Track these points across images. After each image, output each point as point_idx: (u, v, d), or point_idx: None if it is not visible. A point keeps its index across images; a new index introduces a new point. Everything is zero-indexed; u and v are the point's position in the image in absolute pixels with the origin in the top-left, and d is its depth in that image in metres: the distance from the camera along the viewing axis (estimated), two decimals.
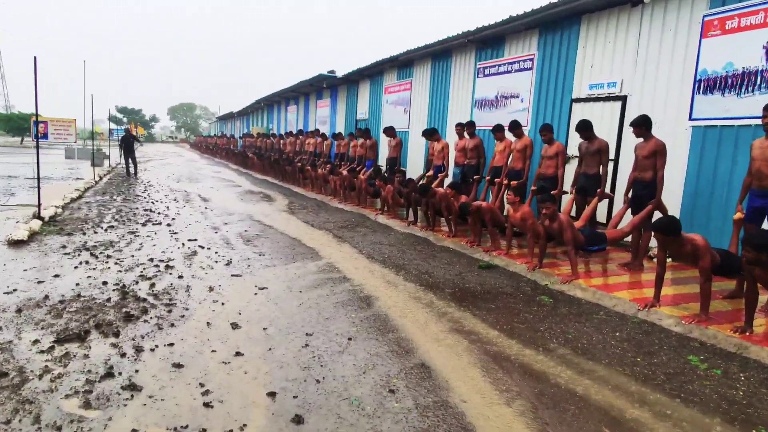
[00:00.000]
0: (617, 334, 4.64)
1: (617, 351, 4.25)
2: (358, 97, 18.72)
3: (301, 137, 21.07)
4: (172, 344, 4.01)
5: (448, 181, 10.96)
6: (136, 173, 18.58)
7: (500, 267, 6.97)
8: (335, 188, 13.60)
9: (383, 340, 4.30)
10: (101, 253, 6.91)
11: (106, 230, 8.47)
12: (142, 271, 6.10)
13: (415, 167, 13.38)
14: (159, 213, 10.55)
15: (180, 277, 5.93)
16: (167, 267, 6.34)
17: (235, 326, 4.46)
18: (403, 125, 14.98)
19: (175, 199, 13.01)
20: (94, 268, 6.14)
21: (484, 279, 6.39)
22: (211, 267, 6.47)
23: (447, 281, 6.24)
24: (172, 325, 4.43)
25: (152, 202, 12.18)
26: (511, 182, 8.42)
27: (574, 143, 8.87)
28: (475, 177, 9.58)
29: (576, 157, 8.10)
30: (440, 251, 7.93)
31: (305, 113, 25.21)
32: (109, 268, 6.19)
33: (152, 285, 5.55)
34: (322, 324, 4.60)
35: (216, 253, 7.24)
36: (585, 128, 7.16)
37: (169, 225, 9.24)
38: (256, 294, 5.42)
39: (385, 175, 11.48)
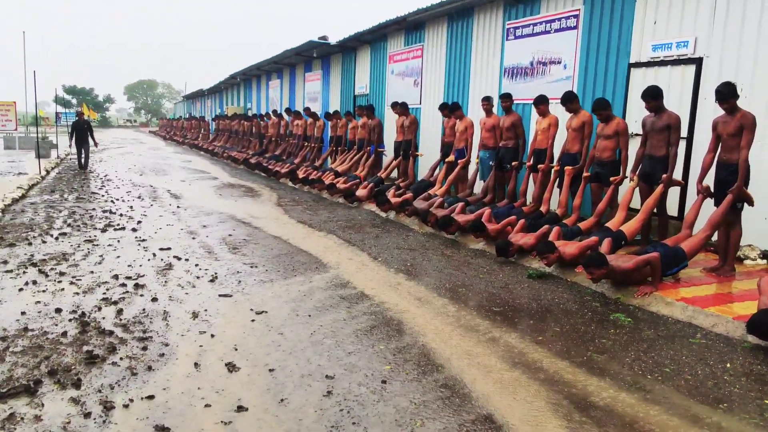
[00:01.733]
0: (728, 365, 4.19)
1: (736, 390, 3.80)
2: (356, 68, 18.20)
3: (286, 118, 20.58)
4: (151, 397, 3.54)
5: (472, 168, 10.51)
6: (86, 165, 18.01)
7: (555, 276, 6.52)
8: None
9: (427, 381, 3.84)
10: (52, 269, 6.43)
11: (57, 239, 7.98)
12: (105, 293, 5.63)
13: (429, 152, 12.88)
14: (121, 215, 10.06)
15: (154, 299, 5.46)
16: (137, 286, 5.87)
17: (232, 368, 3.99)
18: (414, 100, 14.48)
19: (139, 197, 12.52)
20: (44, 290, 5.67)
21: (538, 292, 5.94)
22: (192, 284, 5.99)
23: (491, 296, 5.78)
24: (150, 368, 3.96)
25: (112, 201, 11.69)
26: (566, 168, 7.95)
27: (633, 118, 8.41)
28: (513, 163, 9.11)
29: (638, 135, 7.63)
30: (474, 256, 7.48)
31: (291, 89, 24.69)
32: (63, 289, 5.72)
33: (119, 312, 5.07)
34: (344, 361, 4.14)
35: (196, 265, 6.77)
36: (654, 96, 6.69)
37: (134, 230, 8.76)
38: (253, 321, 4.95)
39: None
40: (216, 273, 6.44)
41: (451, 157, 10.58)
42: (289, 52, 20.71)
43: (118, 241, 7.98)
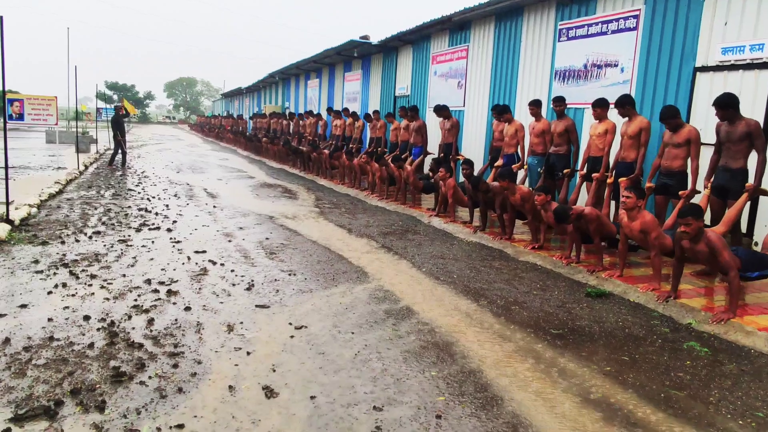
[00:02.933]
0: None
1: None
2: (397, 69, 17.80)
3: (325, 118, 20.28)
4: (181, 426, 3.17)
5: (520, 175, 10.00)
6: (123, 162, 17.89)
7: (615, 295, 6.01)
8: (374, 181, 12.71)
9: (488, 418, 3.40)
10: (83, 271, 6.15)
11: (90, 238, 7.74)
12: (136, 299, 5.31)
13: (472, 156, 12.38)
14: (157, 214, 9.81)
15: (187, 308, 5.12)
16: (169, 293, 5.54)
17: (270, 393, 3.61)
18: (457, 103, 14.02)
19: (175, 195, 12.31)
20: (73, 294, 5.38)
21: (599, 313, 5.44)
22: (227, 293, 5.65)
23: (548, 317, 5.30)
24: (181, 390, 3.60)
25: (148, 199, 11.48)
26: (620, 179, 7.41)
27: (698, 126, 7.82)
28: (565, 171, 8.59)
29: (710, 144, 7.06)
30: (525, 269, 7.00)
31: (329, 88, 24.40)
32: (93, 294, 5.42)
33: (150, 321, 4.74)
34: (393, 389, 3.72)
35: (232, 271, 6.43)
36: (728, 105, 6.14)
37: (169, 230, 8.49)
38: (292, 337, 4.57)
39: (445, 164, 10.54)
40: (252, 280, 6.09)
41: (500, 162, 10.09)
42: (330, 51, 20.41)
43: (153, 242, 7.70)
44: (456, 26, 14.15)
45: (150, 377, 3.75)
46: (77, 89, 18.07)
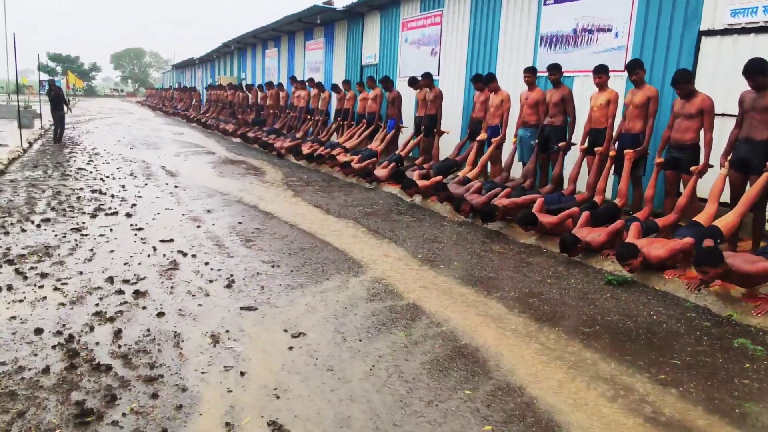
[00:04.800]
0: None
1: None
2: (363, 36, 16.90)
3: (286, 89, 19.26)
4: None
5: (508, 148, 9.38)
6: (60, 138, 16.64)
7: (638, 282, 5.45)
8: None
9: None
10: (32, 268, 5.28)
11: (39, 226, 6.81)
12: (98, 304, 4.50)
13: (449, 127, 11.66)
14: (113, 196, 8.87)
15: (160, 314, 4.33)
16: (137, 294, 4.73)
17: (277, 429, 2.89)
18: (431, 71, 13.23)
19: (131, 174, 11.30)
20: (21, 299, 4.53)
21: (628, 306, 4.87)
22: (204, 292, 4.87)
23: (572, 310, 4.71)
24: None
25: (102, 179, 10.47)
26: (626, 151, 6.84)
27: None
28: (561, 143, 7.99)
29: (727, 115, 6.55)
30: (530, 253, 6.40)
31: (289, 58, 23.30)
32: (45, 298, 4.57)
33: (117, 333, 3.95)
34: (426, 417, 3.06)
35: (206, 264, 5.64)
36: (759, 71, 5.58)
37: (129, 215, 7.60)
38: (291, 348, 3.85)
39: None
40: (232, 275, 5.32)
41: (483, 135, 9.45)
42: (290, 18, 19.33)
43: (111, 229, 6.82)
44: None
45: (124, 414, 2.99)
46: (17, 60, 16.59)
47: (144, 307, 4.45)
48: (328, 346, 3.89)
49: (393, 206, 8.85)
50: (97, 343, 3.80)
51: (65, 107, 16.93)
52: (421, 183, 8.82)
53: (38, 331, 3.94)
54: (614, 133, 7.41)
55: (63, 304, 4.45)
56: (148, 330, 4.04)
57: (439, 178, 8.83)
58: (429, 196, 8.75)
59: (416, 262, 5.94)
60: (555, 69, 8.05)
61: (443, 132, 10.84)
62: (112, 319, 4.19)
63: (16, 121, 18.48)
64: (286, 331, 4.12)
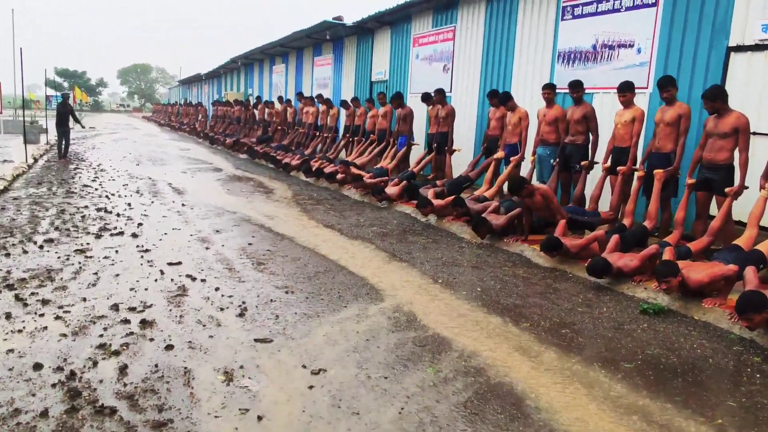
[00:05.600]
0: None
1: None
2: (373, 52, 16.71)
3: (294, 105, 19.04)
4: None
5: (525, 166, 9.09)
6: (65, 154, 16.37)
7: (675, 312, 5.12)
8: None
9: None
10: (33, 294, 4.98)
11: (41, 248, 6.52)
12: (102, 335, 4.19)
13: (460, 145, 11.38)
14: (118, 215, 8.59)
15: (169, 346, 4.02)
16: (144, 323, 4.43)
17: None
18: (444, 89, 12.99)
19: (137, 191, 11.04)
20: (20, 329, 4.23)
21: (668, 338, 4.55)
22: (215, 321, 4.56)
23: (610, 343, 4.40)
24: None
25: (107, 197, 10.20)
26: (656, 171, 6.54)
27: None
28: (582, 162, 7.69)
29: (758, 134, 6.25)
30: (557, 279, 6.08)
31: (297, 74, 23.14)
32: (45, 328, 4.27)
33: (122, 369, 3.64)
34: None
35: (216, 289, 5.34)
36: None
37: (135, 236, 7.31)
38: (311, 387, 3.53)
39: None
40: (244, 302, 5.01)
41: (501, 153, 9.16)
42: (299, 34, 19.18)
43: (117, 251, 6.53)
44: (441, 5, 13.15)
45: None
46: (23, 75, 16.41)
47: (151, 339, 4.15)
48: (352, 385, 3.58)
49: (407, 226, 8.55)
50: (101, 381, 3.49)
51: (78, 123, 16.65)
52: (436, 202, 8.52)
53: (37, 367, 3.63)
54: (639, 152, 7.12)
55: (65, 335, 4.15)
56: (156, 366, 3.73)
57: (455, 196, 8.52)
58: (445, 215, 8.45)
59: (437, 288, 5.63)
60: (577, 86, 7.78)
61: (455, 150, 10.55)
62: (117, 353, 3.88)
63: (22, 136, 18.30)
64: (305, 366, 3.80)
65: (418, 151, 12.11)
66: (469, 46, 12.36)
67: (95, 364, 3.71)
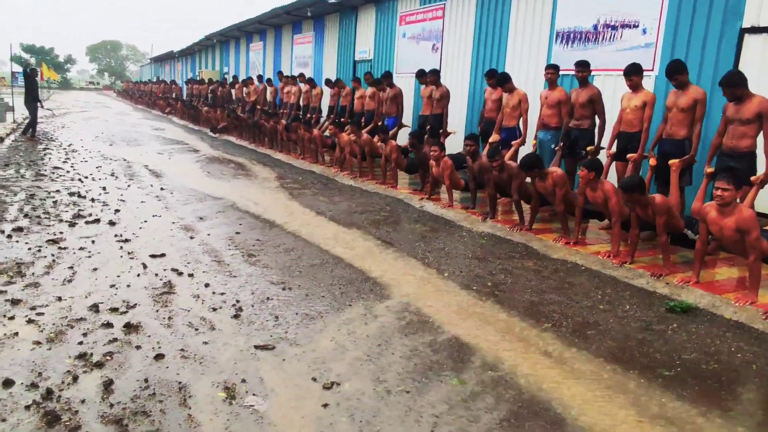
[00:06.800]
0: None
1: None
2: (357, 30, 16.12)
3: (274, 84, 18.38)
4: None
5: (525, 151, 8.67)
6: (32, 131, 15.47)
7: (703, 310, 4.77)
8: (342, 157, 11.11)
9: None
10: (1, 292, 4.44)
11: (10, 237, 5.96)
12: (81, 342, 3.70)
13: (451, 128, 10.92)
14: (93, 200, 8.01)
15: (159, 356, 3.55)
16: (128, 327, 3.94)
17: None
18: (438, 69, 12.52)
19: (112, 174, 10.42)
20: None
21: (700, 339, 4.21)
22: (208, 324, 4.09)
23: (641, 346, 4.05)
24: None
25: (80, 180, 9.58)
26: (671, 161, 6.17)
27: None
28: (589, 148, 7.31)
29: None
30: (570, 272, 5.70)
31: (276, 52, 22.41)
32: (16, 334, 3.76)
33: (107, 385, 3.16)
34: None
35: (206, 285, 4.85)
36: None
37: (112, 223, 6.76)
38: (326, 406, 3.09)
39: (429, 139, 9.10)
40: (238, 300, 4.55)
41: (496, 137, 8.72)
42: (278, 10, 18.48)
43: (93, 241, 6.00)
44: None
45: None
46: None
47: (138, 347, 3.66)
48: (371, 402, 3.15)
49: (402, 212, 8.12)
50: (83, 401, 3.01)
51: (38, 102, 15.74)
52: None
53: (7, 384, 3.14)
54: (648, 138, 6.75)
55: (39, 343, 3.64)
56: (146, 380, 3.25)
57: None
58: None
59: (444, 282, 5.22)
60: (583, 66, 7.37)
61: (450, 133, 10.11)
62: (100, 365, 3.40)
63: None
64: (315, 379, 3.36)
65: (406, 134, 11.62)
66: (460, 25, 11.88)
67: (75, 379, 3.23)
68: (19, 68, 29.24)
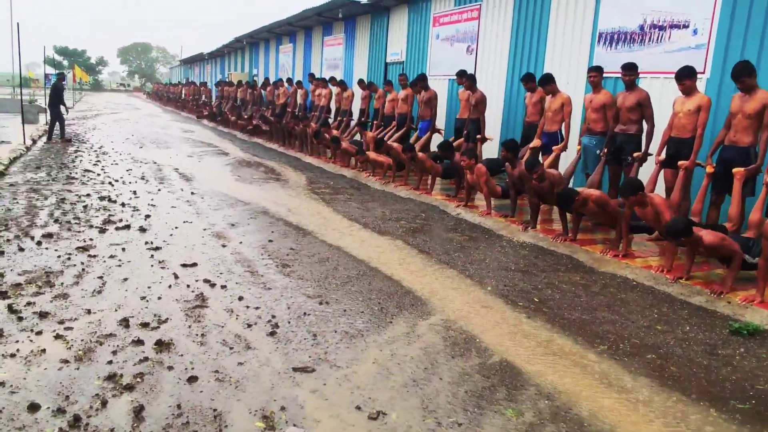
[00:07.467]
0: None
1: None
2: (388, 32, 15.88)
3: (305, 87, 18.22)
4: None
5: (569, 157, 8.37)
6: (61, 134, 15.47)
7: None
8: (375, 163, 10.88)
9: None
10: (29, 304, 4.28)
11: (39, 244, 5.83)
12: (111, 361, 3.50)
13: (487, 133, 10.59)
14: (123, 204, 7.88)
15: (192, 378, 3.33)
16: (159, 345, 3.73)
17: None
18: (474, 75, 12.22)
19: (143, 177, 10.32)
20: (13, 354, 3.54)
21: None
22: (243, 341, 3.87)
23: (707, 374, 3.74)
24: None
25: (110, 183, 9.49)
26: (735, 170, 5.81)
27: None
28: (635, 154, 6.98)
29: None
30: (621, 288, 5.39)
31: (306, 54, 22.28)
32: (43, 351, 3.58)
33: (138, 412, 2.95)
34: None
35: (240, 299, 4.64)
36: None
37: (143, 230, 6.61)
38: None
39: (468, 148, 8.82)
40: (273, 316, 4.32)
41: (537, 142, 8.42)
42: (309, 12, 18.32)
43: (123, 249, 5.83)
44: None
45: None
46: (21, 52, 15.60)
47: (170, 367, 3.45)
48: None
49: (438, 220, 7.85)
50: (113, 430, 2.79)
51: (63, 107, 15.73)
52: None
53: (33, 408, 2.95)
54: (701, 144, 6.38)
55: (66, 362, 3.45)
56: (179, 406, 3.04)
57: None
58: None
59: (488, 297, 4.94)
60: (631, 69, 7.03)
61: (487, 139, 9.81)
62: (130, 387, 3.19)
63: (20, 116, 17.49)
64: (359, 408, 3.11)
65: (438, 139, 11.34)
66: (497, 26, 11.56)
67: (104, 404, 3.02)
68: (52, 71, 29.58)
